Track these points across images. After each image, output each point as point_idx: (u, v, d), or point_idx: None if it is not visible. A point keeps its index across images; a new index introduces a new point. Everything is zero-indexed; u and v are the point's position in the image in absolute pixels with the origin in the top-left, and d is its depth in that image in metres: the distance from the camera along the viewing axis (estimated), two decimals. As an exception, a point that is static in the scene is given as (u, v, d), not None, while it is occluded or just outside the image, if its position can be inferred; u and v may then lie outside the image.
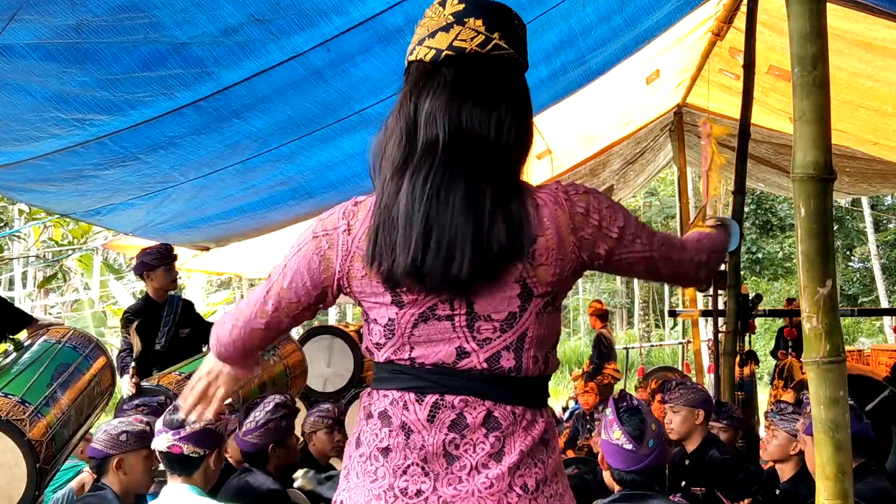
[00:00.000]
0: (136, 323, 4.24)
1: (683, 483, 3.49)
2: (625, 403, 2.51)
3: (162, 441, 2.47)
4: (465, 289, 1.31)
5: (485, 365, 1.33)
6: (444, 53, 1.34)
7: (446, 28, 1.34)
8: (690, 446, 3.61)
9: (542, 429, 1.37)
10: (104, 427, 2.83)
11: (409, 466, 1.33)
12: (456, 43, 1.33)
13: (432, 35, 1.35)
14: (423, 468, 1.33)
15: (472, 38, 1.33)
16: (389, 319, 1.35)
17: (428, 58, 1.35)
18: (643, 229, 1.43)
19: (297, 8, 2.73)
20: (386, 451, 1.35)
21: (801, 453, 3.06)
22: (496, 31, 1.34)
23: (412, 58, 1.39)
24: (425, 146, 1.32)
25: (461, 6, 1.35)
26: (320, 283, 1.41)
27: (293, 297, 1.43)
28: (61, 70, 2.71)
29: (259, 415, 3.19)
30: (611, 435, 2.49)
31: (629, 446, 2.44)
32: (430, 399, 1.33)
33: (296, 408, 3.40)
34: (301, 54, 3.02)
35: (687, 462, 3.62)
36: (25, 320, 3.74)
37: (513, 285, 1.32)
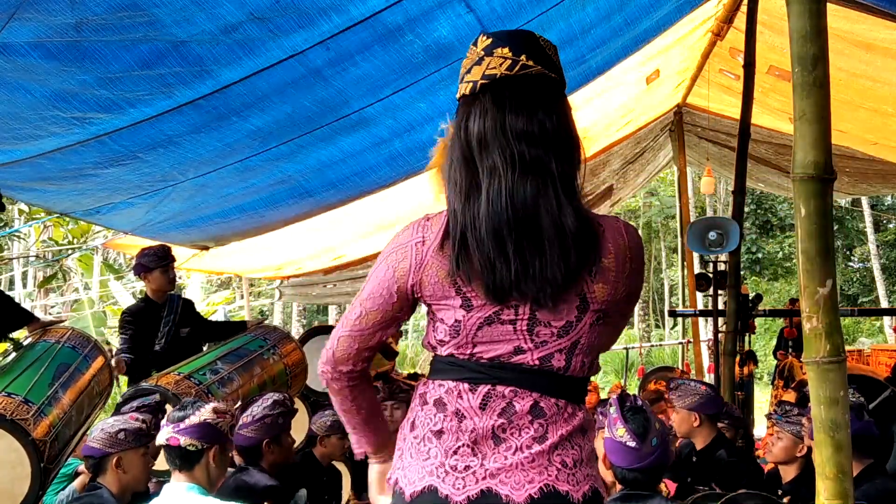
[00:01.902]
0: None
1: (689, 479, 3.50)
2: (628, 403, 2.51)
3: (162, 434, 2.50)
4: (555, 292, 1.43)
5: (537, 362, 1.48)
6: (479, 83, 1.50)
7: (479, 62, 1.51)
8: (699, 444, 3.63)
9: (581, 419, 1.51)
10: (101, 426, 2.82)
11: (459, 447, 1.47)
12: (487, 72, 1.49)
13: (469, 71, 1.52)
14: (472, 448, 1.46)
15: (500, 65, 1.49)
16: (456, 321, 1.49)
17: (468, 91, 1.52)
18: (630, 312, 1.64)
19: (297, 6, 2.73)
20: (439, 433, 1.49)
21: (806, 455, 3.06)
22: (522, 54, 1.49)
23: (458, 95, 1.56)
24: (488, 168, 1.46)
25: (489, 40, 1.52)
26: (389, 301, 1.54)
27: (378, 314, 1.55)
28: (61, 68, 2.71)
29: (256, 410, 3.21)
30: (614, 433, 2.48)
31: (632, 444, 2.44)
32: (483, 389, 1.48)
33: (294, 407, 3.41)
34: (300, 53, 3.02)
35: (695, 458, 3.63)
36: (26, 318, 3.73)
37: (573, 297, 1.47)
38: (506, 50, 1.49)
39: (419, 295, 1.53)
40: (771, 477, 3.62)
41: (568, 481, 1.45)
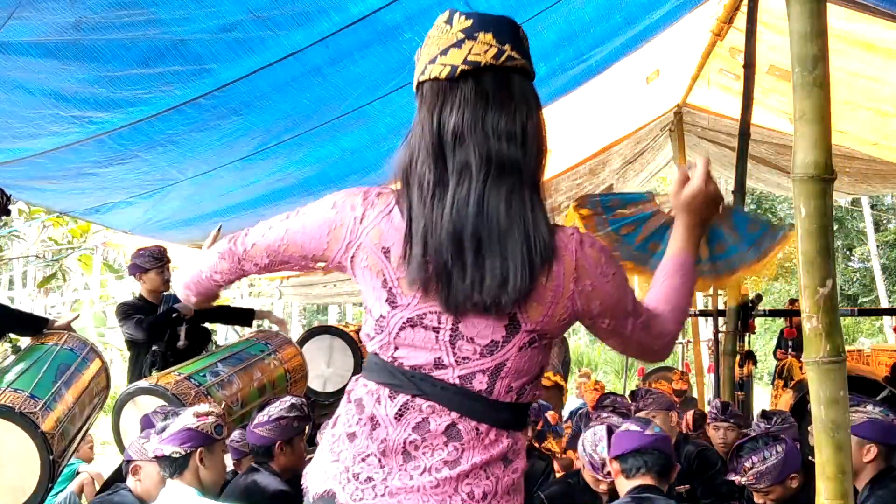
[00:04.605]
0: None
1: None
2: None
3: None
4: (521, 299, 1.32)
5: (457, 381, 1.36)
6: (459, 69, 1.35)
7: (458, 44, 1.36)
8: None
9: (505, 447, 1.39)
10: (142, 432, 2.89)
11: (368, 455, 1.37)
12: (470, 57, 1.35)
13: (444, 53, 1.36)
14: (379, 460, 1.37)
15: (485, 52, 1.35)
16: (381, 316, 1.39)
17: (443, 75, 1.36)
18: (633, 310, 1.44)
19: (296, 5, 2.72)
20: (352, 436, 1.40)
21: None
22: (507, 43, 1.37)
23: (424, 77, 1.39)
24: (460, 165, 1.34)
25: (469, 22, 1.36)
26: (321, 252, 1.45)
27: (294, 248, 1.48)
28: (60, 67, 2.71)
29: (273, 410, 3.23)
30: (618, 428, 2.61)
31: (635, 427, 2.54)
32: (402, 399, 1.37)
33: (310, 415, 3.42)
34: (300, 51, 3.02)
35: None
36: (41, 323, 3.76)
37: (502, 315, 1.34)
38: (489, 36, 1.35)
39: (344, 268, 1.43)
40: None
41: None
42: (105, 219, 4.97)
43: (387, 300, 1.37)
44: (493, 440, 1.37)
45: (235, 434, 3.58)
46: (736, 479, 2.84)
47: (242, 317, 4.95)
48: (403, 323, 1.37)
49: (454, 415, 1.36)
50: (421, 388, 1.36)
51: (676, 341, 1.55)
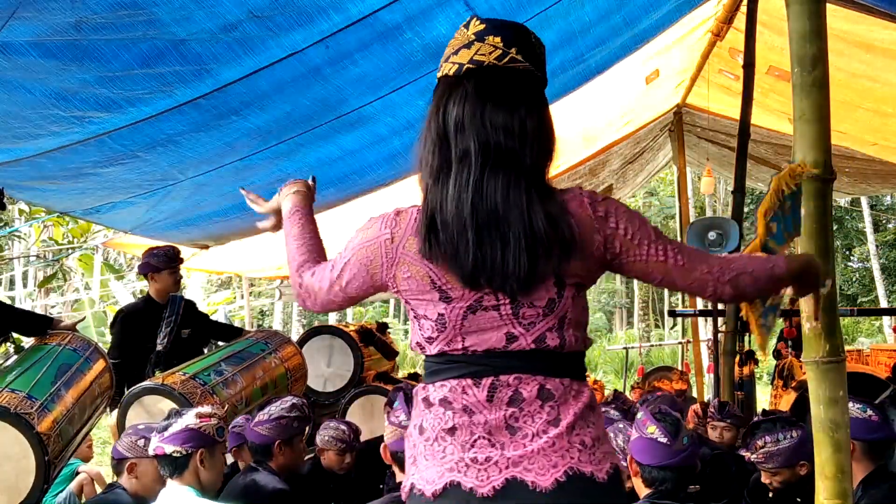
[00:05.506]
0: None
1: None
2: (618, 402, 2.52)
3: (151, 444, 2.57)
4: (521, 286, 1.43)
5: (532, 345, 1.45)
6: (465, 67, 1.49)
7: (468, 45, 1.50)
8: None
9: (588, 396, 1.49)
10: (130, 429, 2.89)
11: (476, 440, 1.45)
12: (476, 57, 1.49)
13: (456, 52, 1.51)
14: (489, 440, 1.44)
15: (490, 53, 1.48)
16: (440, 314, 1.48)
17: (451, 72, 1.51)
18: (660, 237, 1.51)
19: (296, 5, 2.73)
20: (452, 430, 1.46)
21: None
22: (513, 47, 1.49)
23: (440, 74, 1.54)
24: (460, 153, 1.46)
25: (482, 26, 1.51)
26: (371, 286, 1.57)
27: (355, 288, 1.60)
28: (60, 67, 2.71)
29: (273, 409, 3.24)
30: (644, 431, 2.44)
31: (664, 440, 2.40)
32: (487, 381, 1.46)
33: (310, 415, 3.42)
34: (300, 51, 3.02)
35: None
36: (45, 323, 3.75)
37: (549, 276, 1.45)
38: (497, 39, 1.48)
39: (395, 290, 1.53)
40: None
41: (590, 461, 1.43)
42: (105, 219, 4.97)
43: (440, 298, 1.47)
44: (578, 390, 1.48)
45: (239, 419, 3.57)
46: (746, 454, 2.81)
47: (235, 335, 4.75)
48: (464, 312, 1.46)
49: (539, 378, 1.45)
50: (501, 365, 1.45)
51: (746, 294, 1.55)
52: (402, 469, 2.30)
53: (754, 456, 2.81)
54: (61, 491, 4.64)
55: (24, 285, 15.60)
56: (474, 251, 1.42)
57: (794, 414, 3.92)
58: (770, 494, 3.17)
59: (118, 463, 2.81)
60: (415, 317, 1.53)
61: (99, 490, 4.13)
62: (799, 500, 2.78)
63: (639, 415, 2.52)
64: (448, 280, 1.46)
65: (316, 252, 1.71)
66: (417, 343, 1.53)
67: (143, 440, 2.77)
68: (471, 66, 1.48)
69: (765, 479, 2.85)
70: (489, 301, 1.45)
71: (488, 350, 1.46)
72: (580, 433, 1.44)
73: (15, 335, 4.46)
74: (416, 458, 1.51)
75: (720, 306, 5.48)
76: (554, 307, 1.45)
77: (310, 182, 1.89)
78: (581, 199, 1.47)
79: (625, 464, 1.46)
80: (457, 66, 1.50)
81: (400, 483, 2.48)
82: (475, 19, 1.52)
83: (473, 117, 1.46)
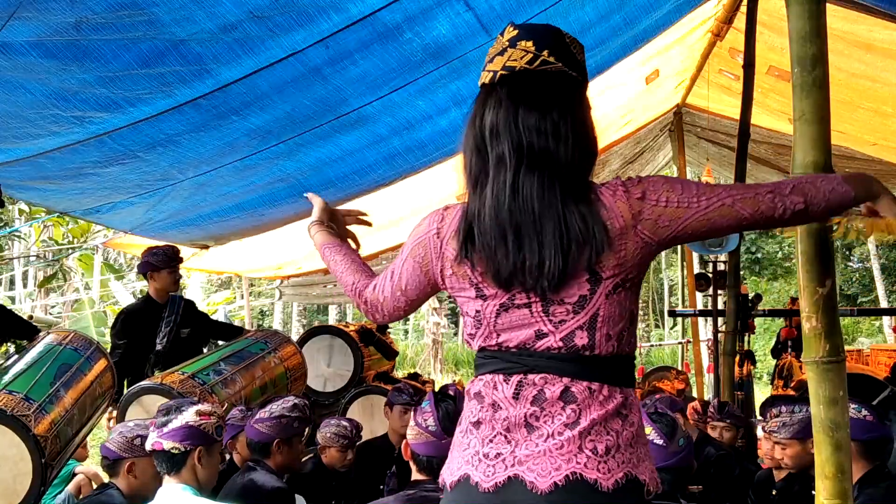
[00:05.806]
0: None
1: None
2: (653, 408, 2.50)
3: (149, 440, 2.54)
4: (552, 284, 1.45)
5: (560, 344, 1.47)
6: (498, 74, 1.53)
7: (502, 52, 1.54)
8: None
9: (618, 402, 1.47)
10: (119, 428, 2.84)
11: (494, 436, 1.48)
12: (508, 63, 1.52)
13: (491, 60, 1.55)
14: (505, 437, 1.47)
15: (521, 58, 1.51)
16: (476, 311, 1.53)
17: (487, 80, 1.55)
18: (706, 187, 1.49)
19: (296, 5, 2.73)
20: (477, 424, 1.51)
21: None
22: (545, 50, 1.52)
23: (479, 82, 1.58)
24: (495, 158, 1.50)
25: (515, 32, 1.55)
26: (427, 284, 1.63)
27: (414, 290, 1.66)
28: (60, 67, 2.71)
29: (275, 407, 3.24)
30: None
31: (660, 441, 2.42)
32: (515, 378, 1.49)
33: (311, 417, 3.42)
34: (300, 51, 3.02)
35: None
36: (33, 331, 3.76)
37: (581, 271, 1.45)
38: (529, 43, 1.51)
39: (443, 286, 1.59)
40: (765, 477, 3.61)
41: (598, 469, 1.41)
42: (105, 219, 4.97)
43: (477, 296, 1.52)
44: (607, 396, 1.47)
45: (234, 412, 3.57)
46: (760, 423, 2.79)
47: (235, 334, 4.77)
48: (497, 309, 1.50)
49: (566, 380, 1.47)
50: (530, 363, 1.48)
51: (818, 212, 1.51)
52: (420, 470, 2.33)
53: (768, 426, 2.78)
54: (60, 492, 4.64)
55: (24, 285, 15.61)
56: (513, 255, 1.46)
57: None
58: (773, 493, 3.18)
59: (114, 463, 2.79)
60: (462, 313, 1.59)
61: (98, 490, 4.13)
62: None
63: None
64: (483, 279, 1.50)
65: (363, 269, 1.78)
66: (465, 338, 1.60)
67: (139, 439, 2.75)
68: (504, 72, 1.52)
69: (777, 454, 2.81)
70: (521, 299, 1.48)
71: (518, 346, 1.50)
72: (595, 439, 1.43)
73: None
74: (452, 449, 1.57)
75: (720, 306, 5.48)
76: (585, 304, 1.46)
77: (324, 220, 1.93)
78: (616, 189, 1.48)
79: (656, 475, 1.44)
80: (492, 73, 1.54)
81: (405, 483, 2.49)
82: (510, 26, 1.56)
83: (507, 122, 1.49)
